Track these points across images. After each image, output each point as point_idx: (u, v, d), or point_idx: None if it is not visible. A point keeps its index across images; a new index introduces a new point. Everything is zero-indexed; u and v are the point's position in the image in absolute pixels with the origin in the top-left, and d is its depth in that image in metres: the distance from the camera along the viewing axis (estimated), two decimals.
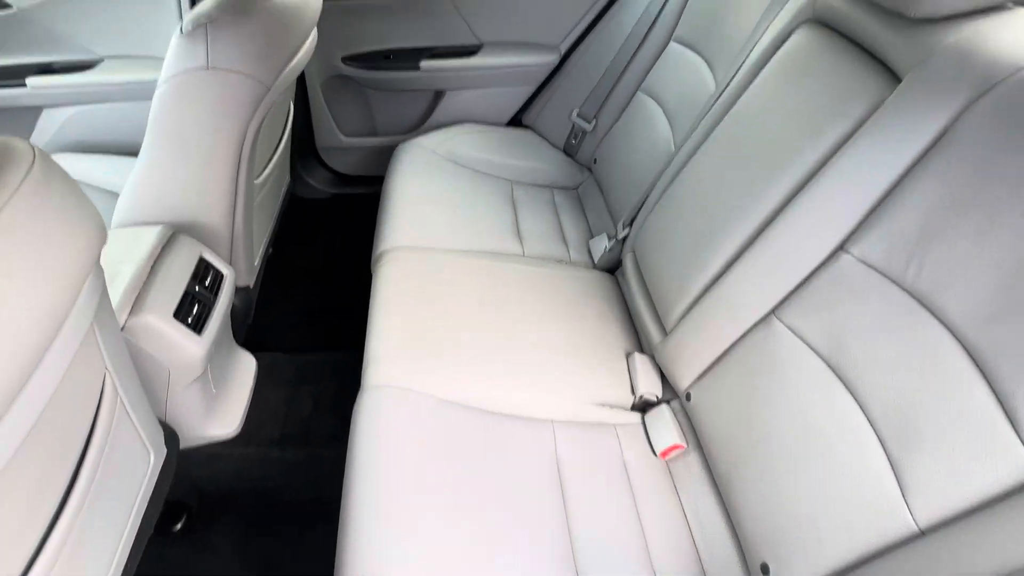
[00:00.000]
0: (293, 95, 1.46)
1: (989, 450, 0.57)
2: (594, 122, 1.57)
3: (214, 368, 1.14)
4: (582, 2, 1.59)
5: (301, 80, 1.64)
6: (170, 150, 1.00)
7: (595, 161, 1.58)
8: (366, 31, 1.61)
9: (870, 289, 0.73)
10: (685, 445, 0.97)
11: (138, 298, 0.93)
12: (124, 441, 0.82)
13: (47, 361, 0.51)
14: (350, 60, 1.65)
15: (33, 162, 0.52)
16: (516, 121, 1.80)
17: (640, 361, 1.09)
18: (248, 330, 1.38)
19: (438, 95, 1.73)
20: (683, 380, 0.99)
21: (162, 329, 0.93)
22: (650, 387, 1.05)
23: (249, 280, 1.27)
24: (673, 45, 1.39)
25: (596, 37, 1.59)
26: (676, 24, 1.39)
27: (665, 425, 1.00)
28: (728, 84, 1.10)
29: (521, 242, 1.37)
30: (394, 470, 0.85)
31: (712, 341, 0.93)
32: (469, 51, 1.65)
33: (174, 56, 0.94)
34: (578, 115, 1.60)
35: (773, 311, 0.85)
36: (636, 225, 1.24)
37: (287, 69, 1.06)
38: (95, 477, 0.71)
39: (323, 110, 1.72)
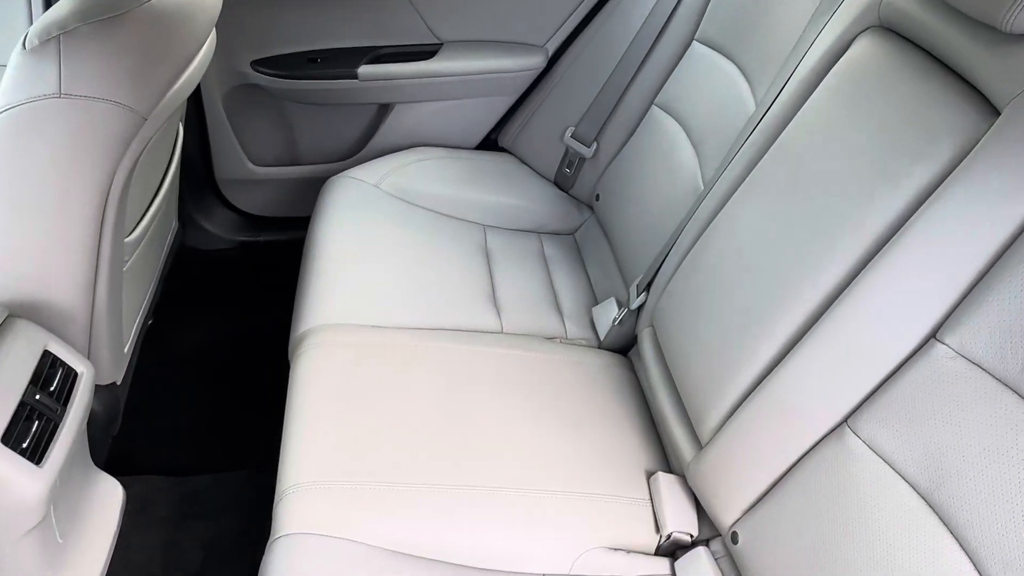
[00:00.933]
0: (183, 115, 1.47)
1: None
2: (595, 146, 1.60)
3: (61, 508, 1.09)
4: None
5: (196, 93, 1.65)
6: (5, 204, 0.99)
7: (597, 198, 1.60)
8: (285, 27, 1.64)
9: (980, 391, 0.72)
10: None
11: None
12: None
13: None
14: (262, 65, 1.67)
15: None
16: (489, 143, 1.82)
17: (667, 485, 1.07)
18: (113, 445, 1.34)
19: (383, 110, 1.75)
20: (727, 513, 0.97)
21: None
22: (682, 523, 1.03)
23: (116, 375, 1.24)
24: (697, 46, 1.43)
25: (594, 35, 1.63)
26: (700, 20, 1.43)
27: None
28: (772, 103, 1.12)
29: (498, 313, 1.37)
30: None
31: (765, 460, 0.92)
32: (424, 53, 1.68)
33: (14, 79, 0.93)
34: (573, 136, 1.63)
35: (846, 420, 0.84)
36: (655, 290, 1.24)
37: (172, 91, 1.06)
38: None
39: (225, 132, 1.73)
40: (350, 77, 1.66)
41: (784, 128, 1.07)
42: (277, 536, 0.92)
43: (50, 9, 0.99)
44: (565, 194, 1.69)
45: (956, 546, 0.70)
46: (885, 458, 0.79)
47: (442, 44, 1.69)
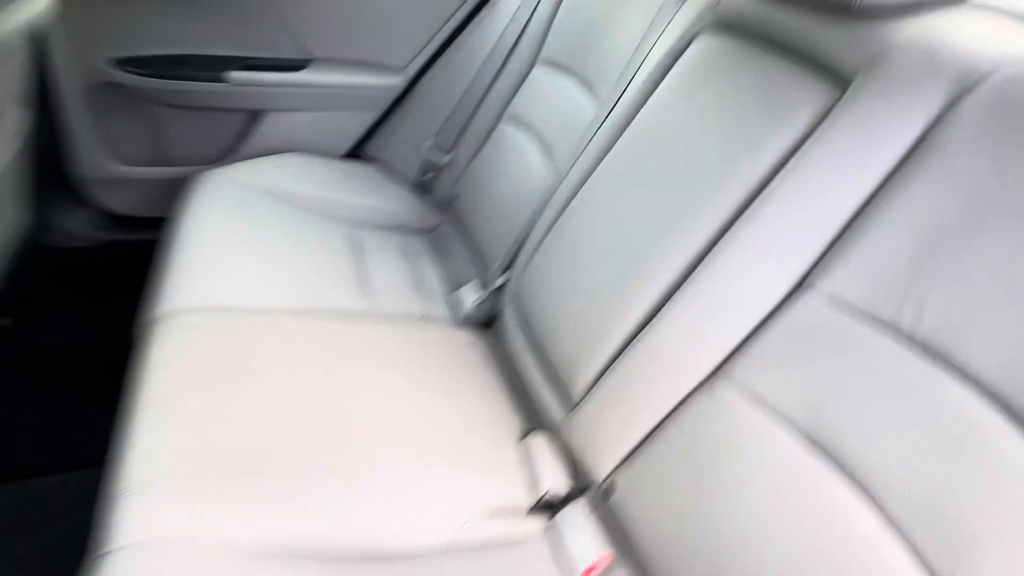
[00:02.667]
0: (23, 97, 1.03)
1: None
2: (452, 154, 1.35)
3: None
4: (431, 19, 1.38)
5: (44, 87, 1.19)
6: None
7: (456, 199, 1.34)
8: (151, 28, 1.23)
9: (851, 335, 0.56)
10: (613, 554, 0.72)
11: None
12: None
13: None
14: (125, 63, 1.24)
15: None
16: (356, 153, 1.51)
17: (539, 445, 0.83)
18: None
19: (254, 117, 1.38)
20: (602, 464, 0.75)
21: None
22: (556, 480, 0.79)
23: None
24: (539, 68, 1.22)
25: (449, 59, 1.38)
26: (541, 44, 1.23)
27: (583, 531, 0.74)
28: (615, 105, 0.94)
29: (365, 297, 1.07)
30: None
31: (639, 412, 0.71)
32: (295, 66, 1.34)
33: None
34: (433, 146, 1.36)
35: (721, 369, 0.65)
36: (516, 269, 1.01)
37: None
38: None
39: (85, 129, 1.27)
40: (220, 80, 1.28)
41: (630, 122, 0.88)
42: (106, 550, 0.56)
43: None
44: (424, 197, 1.42)
45: (847, 483, 0.52)
46: (765, 403, 0.60)
47: (312, 60, 1.36)
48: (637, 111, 0.87)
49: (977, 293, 0.49)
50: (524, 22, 1.25)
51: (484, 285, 1.11)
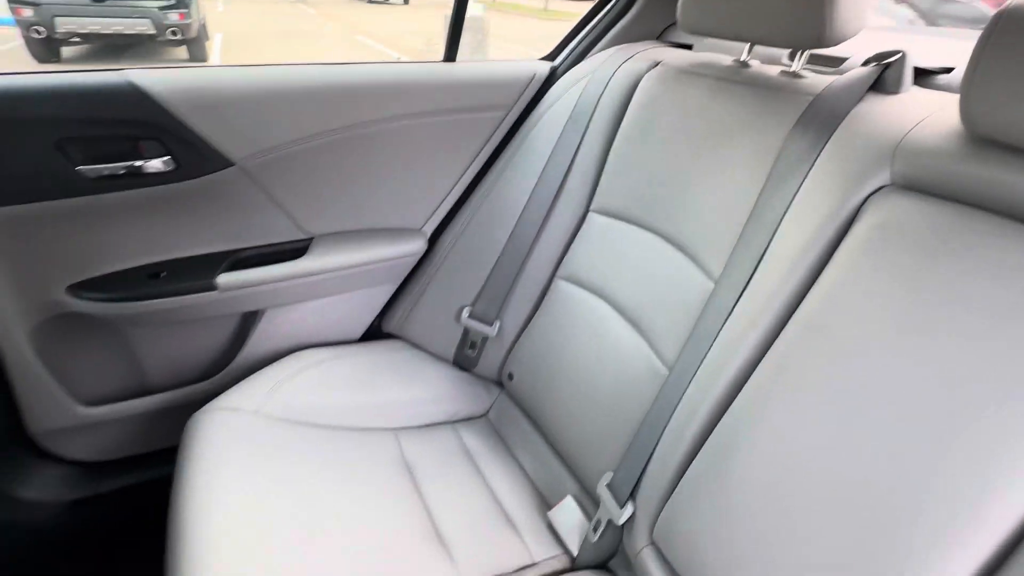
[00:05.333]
0: None
1: None
2: (498, 323, 1.10)
3: None
4: (450, 170, 1.17)
5: None
6: None
7: (511, 376, 1.09)
8: (113, 242, 0.97)
9: None
10: None
11: None
12: None
13: None
14: (83, 288, 0.96)
15: None
16: (373, 330, 1.25)
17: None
18: None
19: (250, 317, 1.11)
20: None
21: None
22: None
23: None
24: (597, 218, 1.01)
25: (474, 213, 1.15)
26: (592, 191, 1.03)
27: None
28: (750, 279, 0.72)
29: (448, 552, 0.79)
30: None
31: None
32: (293, 251, 1.09)
33: None
34: (472, 316, 1.12)
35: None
36: (646, 500, 0.75)
37: None
38: None
39: (35, 376, 0.98)
40: (207, 289, 1.01)
41: (797, 304, 0.66)
42: None
43: None
44: (469, 374, 1.16)
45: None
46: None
47: (312, 238, 1.11)
48: (800, 296, 0.65)
49: None
50: (567, 164, 1.05)
51: (583, 504, 0.85)
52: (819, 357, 0.60)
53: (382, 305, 1.22)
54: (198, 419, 0.92)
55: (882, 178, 0.62)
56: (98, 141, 0.88)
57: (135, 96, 0.87)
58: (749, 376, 0.67)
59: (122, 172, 0.90)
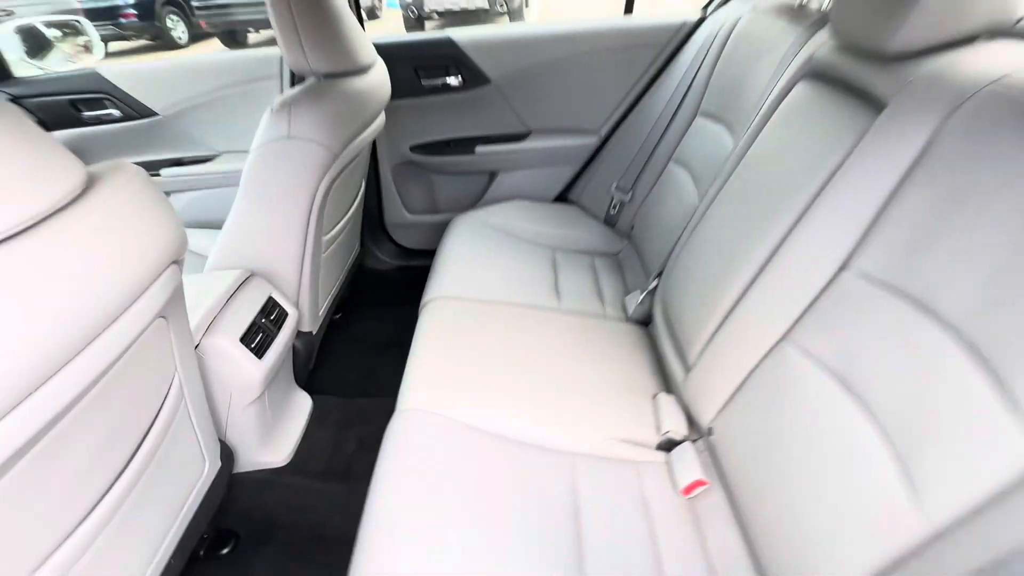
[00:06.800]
0: (365, 174, 1.66)
1: (993, 443, 0.53)
2: (631, 193, 1.66)
3: (272, 399, 1.22)
4: (618, 92, 1.74)
5: (375, 166, 1.85)
6: (252, 206, 1.17)
7: (632, 228, 1.64)
8: (429, 124, 1.83)
9: (874, 301, 0.71)
10: (708, 482, 0.92)
11: (212, 323, 1.05)
12: (183, 443, 0.90)
13: (118, 325, 0.61)
14: (416, 149, 1.85)
15: (136, 175, 0.66)
16: (562, 197, 1.91)
17: (665, 401, 1.07)
18: (309, 376, 1.48)
19: (492, 176, 1.89)
20: (706, 414, 0.96)
21: (228, 349, 1.04)
22: (675, 425, 1.02)
23: (312, 327, 1.39)
24: (699, 119, 1.47)
25: (631, 119, 1.71)
26: (701, 101, 1.49)
27: (689, 462, 0.96)
28: (740, 141, 1.15)
29: (558, 298, 1.42)
30: (414, 487, 0.87)
31: (730, 372, 0.92)
32: (519, 137, 1.82)
33: (263, 128, 1.13)
34: (616, 188, 1.69)
35: (785, 336, 0.84)
36: (664, 275, 1.26)
37: (355, 141, 1.23)
38: (148, 466, 0.79)
39: (392, 192, 1.92)
40: (470, 154, 1.82)
41: (745, 154, 1.09)
42: (397, 413, 1.00)
43: (287, 91, 1.19)
44: (611, 228, 1.75)
45: (861, 412, 0.69)
46: (813, 357, 0.78)
47: (530, 131, 1.82)
48: (749, 147, 1.08)
49: (953, 259, 0.63)
50: (688, 84, 1.52)
51: (643, 290, 1.38)
52: (738, 180, 1.05)
53: (569, 179, 1.87)
54: (457, 220, 1.72)
55: (805, 71, 1.01)
56: (431, 68, 1.72)
57: (449, 45, 1.67)
58: None
59: (439, 85, 1.73)
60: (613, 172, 1.73)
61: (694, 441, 1.01)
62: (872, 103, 0.82)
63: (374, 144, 1.82)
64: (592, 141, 1.80)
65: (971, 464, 0.54)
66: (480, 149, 1.81)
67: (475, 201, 1.94)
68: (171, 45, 7.51)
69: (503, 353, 1.15)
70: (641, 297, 1.34)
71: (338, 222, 1.44)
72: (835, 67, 0.93)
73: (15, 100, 1.76)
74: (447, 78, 1.73)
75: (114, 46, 7.63)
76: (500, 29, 1.70)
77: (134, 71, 1.82)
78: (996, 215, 0.60)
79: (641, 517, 0.90)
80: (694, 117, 1.51)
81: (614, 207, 1.72)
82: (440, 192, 1.95)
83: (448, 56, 1.69)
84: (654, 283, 1.29)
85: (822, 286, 0.80)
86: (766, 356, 0.86)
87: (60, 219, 0.54)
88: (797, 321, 0.82)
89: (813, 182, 0.85)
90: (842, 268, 0.78)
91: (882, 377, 0.67)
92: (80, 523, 0.67)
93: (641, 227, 1.57)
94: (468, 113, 1.80)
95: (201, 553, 1.13)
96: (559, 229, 1.73)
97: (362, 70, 1.29)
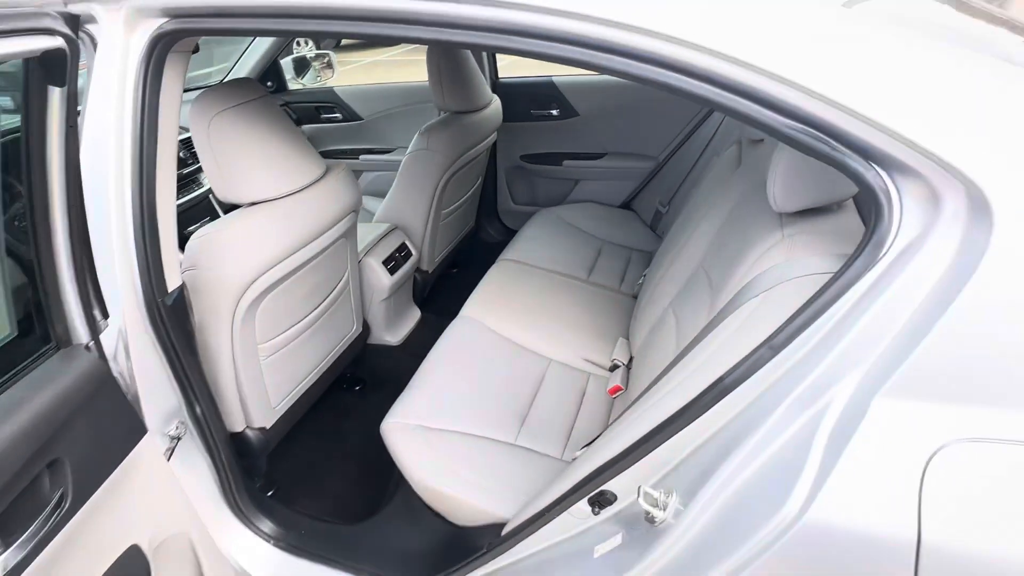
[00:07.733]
0: (481, 173, 2.38)
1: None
2: (668, 207, 2.17)
3: (397, 302, 2.01)
4: (676, 125, 2.24)
5: (494, 167, 2.57)
6: (401, 186, 1.95)
7: (665, 233, 2.15)
8: (535, 141, 2.49)
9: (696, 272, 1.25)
10: (624, 388, 1.49)
11: (370, 250, 1.85)
12: (344, 307, 1.71)
13: (325, 235, 1.39)
14: (524, 157, 2.54)
15: (345, 170, 1.44)
16: (626, 205, 2.47)
17: (621, 343, 1.63)
18: (423, 301, 2.25)
19: (575, 182, 2.51)
20: (634, 349, 1.52)
21: (373, 264, 1.83)
22: (620, 357, 1.59)
23: (430, 266, 2.15)
24: (733, 148, 1.95)
25: (685, 147, 2.21)
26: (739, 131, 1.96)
27: (618, 375, 1.53)
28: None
29: (588, 274, 2.01)
30: (450, 363, 1.56)
31: (643, 328, 1.47)
32: (597, 156, 2.41)
33: (414, 141, 1.90)
34: (659, 203, 2.21)
35: (670, 303, 1.37)
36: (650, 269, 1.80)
37: (468, 154, 1.95)
38: (328, 310, 1.58)
39: (504, 186, 2.63)
40: (560, 165, 2.45)
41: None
42: (457, 318, 1.69)
43: (431, 119, 1.95)
44: (653, 232, 2.27)
45: (676, 329, 1.23)
46: (675, 316, 1.32)
47: (606, 153, 2.40)
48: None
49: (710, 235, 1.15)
50: (716, 126, 2.00)
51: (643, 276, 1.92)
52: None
53: (631, 191, 2.42)
54: (541, 212, 2.37)
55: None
56: (538, 102, 2.38)
57: (550, 86, 2.32)
58: None
59: (543, 114, 2.39)
60: (663, 189, 2.25)
61: (627, 365, 1.57)
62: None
63: (495, 151, 2.54)
64: (650, 164, 2.32)
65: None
66: (567, 162, 2.44)
67: (562, 199, 2.58)
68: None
69: (534, 299, 1.79)
70: (640, 280, 1.89)
71: (454, 203, 2.18)
72: None
73: (285, 105, 2.79)
74: (549, 110, 2.38)
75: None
76: (589, 76, 2.30)
77: (353, 91, 2.75)
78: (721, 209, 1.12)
79: (575, 402, 1.50)
80: (731, 146, 1.98)
81: (657, 216, 2.24)
82: (538, 190, 2.62)
83: (550, 94, 2.34)
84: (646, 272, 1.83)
85: (691, 273, 1.33)
86: (661, 316, 1.40)
87: (316, 187, 1.33)
88: (676, 297, 1.36)
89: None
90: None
91: (686, 306, 1.21)
92: (294, 325, 1.47)
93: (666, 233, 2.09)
94: (561, 136, 2.44)
95: (344, 386, 1.95)
96: (612, 228, 2.30)
97: (479, 109, 2.00)
